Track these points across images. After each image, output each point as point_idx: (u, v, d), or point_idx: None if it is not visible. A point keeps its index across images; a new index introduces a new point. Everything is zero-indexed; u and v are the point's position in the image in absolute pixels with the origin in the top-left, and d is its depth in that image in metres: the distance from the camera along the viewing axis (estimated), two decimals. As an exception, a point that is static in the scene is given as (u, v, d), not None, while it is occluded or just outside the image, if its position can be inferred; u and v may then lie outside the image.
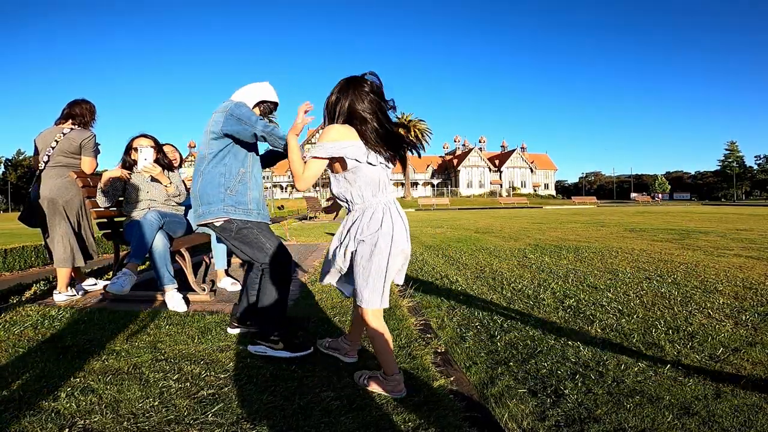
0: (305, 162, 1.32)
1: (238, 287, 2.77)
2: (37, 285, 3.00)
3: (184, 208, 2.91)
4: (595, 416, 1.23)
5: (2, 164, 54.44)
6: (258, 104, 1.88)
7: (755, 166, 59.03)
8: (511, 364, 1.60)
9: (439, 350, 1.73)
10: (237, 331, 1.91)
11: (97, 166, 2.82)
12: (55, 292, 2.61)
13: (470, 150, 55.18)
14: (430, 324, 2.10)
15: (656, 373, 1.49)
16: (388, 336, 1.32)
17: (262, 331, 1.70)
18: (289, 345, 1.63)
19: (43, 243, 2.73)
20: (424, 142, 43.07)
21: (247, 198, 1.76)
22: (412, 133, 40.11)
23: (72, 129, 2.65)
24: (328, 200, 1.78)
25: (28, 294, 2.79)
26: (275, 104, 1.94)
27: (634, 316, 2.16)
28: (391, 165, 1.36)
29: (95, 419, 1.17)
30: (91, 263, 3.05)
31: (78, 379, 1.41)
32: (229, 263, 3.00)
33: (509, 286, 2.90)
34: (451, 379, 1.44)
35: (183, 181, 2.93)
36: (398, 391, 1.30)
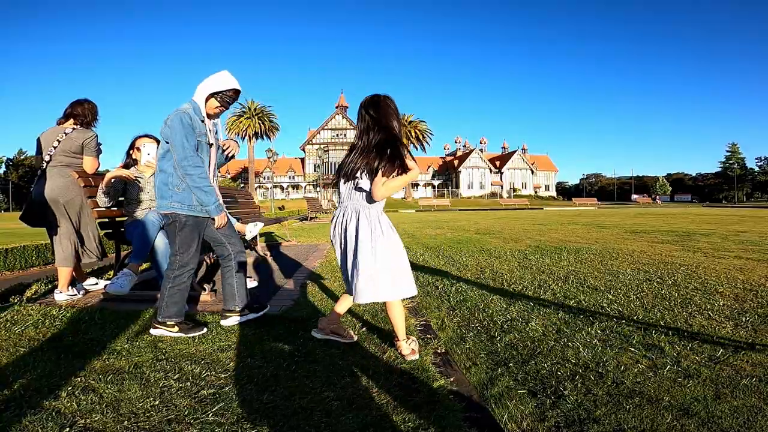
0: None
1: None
2: (38, 284, 3.01)
3: None
4: (594, 417, 1.23)
5: (3, 164, 54.57)
6: (212, 96, 1.92)
7: (756, 168, 58.98)
8: (511, 365, 1.60)
9: (439, 351, 1.73)
10: (229, 322, 1.96)
11: (98, 166, 2.83)
12: (56, 291, 2.61)
13: (471, 151, 55.19)
14: (430, 325, 2.10)
15: (656, 375, 1.49)
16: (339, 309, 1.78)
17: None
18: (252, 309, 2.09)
19: (49, 241, 2.74)
20: (425, 143, 43.10)
21: (192, 195, 1.88)
22: (413, 133, 40.20)
23: (74, 129, 2.66)
24: None
25: (29, 293, 2.80)
26: (235, 91, 1.96)
27: (634, 318, 2.16)
28: (352, 180, 1.64)
29: (96, 418, 1.17)
30: (91, 263, 3.05)
31: (79, 379, 1.42)
32: None
33: (510, 288, 2.90)
34: (451, 379, 1.44)
35: None
36: (349, 337, 1.78)
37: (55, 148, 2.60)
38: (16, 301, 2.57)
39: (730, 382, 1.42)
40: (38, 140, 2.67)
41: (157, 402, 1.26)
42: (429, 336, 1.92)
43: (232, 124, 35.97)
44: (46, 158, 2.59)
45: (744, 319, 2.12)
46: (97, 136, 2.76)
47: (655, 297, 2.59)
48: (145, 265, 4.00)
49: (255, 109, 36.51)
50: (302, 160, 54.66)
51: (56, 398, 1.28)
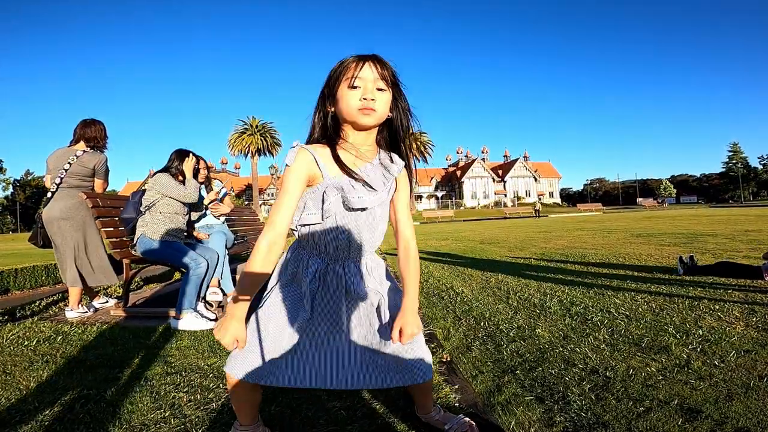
0: None
1: None
2: (48, 302, 3.06)
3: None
4: (603, 421, 1.22)
5: (11, 185, 55.61)
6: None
7: (760, 167, 58.54)
8: (518, 372, 1.60)
9: (444, 360, 1.73)
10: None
11: (107, 187, 2.90)
12: (66, 309, 2.66)
13: (473, 161, 55.48)
14: (435, 334, 2.10)
15: (665, 378, 1.48)
16: None
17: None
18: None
19: (58, 261, 2.78)
20: (426, 155, 43.38)
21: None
22: (414, 145, 40.67)
23: (85, 152, 2.74)
24: None
25: (40, 311, 2.84)
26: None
27: (643, 321, 2.14)
28: None
29: (109, 429, 1.20)
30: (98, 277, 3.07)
31: (92, 391, 1.45)
32: (235, 282, 3.03)
33: (515, 296, 2.89)
34: (456, 387, 1.44)
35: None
36: None
37: (66, 170, 2.67)
38: (28, 318, 2.61)
39: (742, 382, 1.40)
40: (47, 162, 2.74)
41: (167, 413, 1.28)
42: (434, 345, 1.92)
43: (234, 142, 36.57)
44: (57, 180, 2.66)
45: (755, 319, 2.09)
46: (107, 159, 2.83)
47: (663, 300, 2.57)
48: (146, 287, 4.03)
49: (256, 126, 37.15)
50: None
51: (70, 410, 1.31)
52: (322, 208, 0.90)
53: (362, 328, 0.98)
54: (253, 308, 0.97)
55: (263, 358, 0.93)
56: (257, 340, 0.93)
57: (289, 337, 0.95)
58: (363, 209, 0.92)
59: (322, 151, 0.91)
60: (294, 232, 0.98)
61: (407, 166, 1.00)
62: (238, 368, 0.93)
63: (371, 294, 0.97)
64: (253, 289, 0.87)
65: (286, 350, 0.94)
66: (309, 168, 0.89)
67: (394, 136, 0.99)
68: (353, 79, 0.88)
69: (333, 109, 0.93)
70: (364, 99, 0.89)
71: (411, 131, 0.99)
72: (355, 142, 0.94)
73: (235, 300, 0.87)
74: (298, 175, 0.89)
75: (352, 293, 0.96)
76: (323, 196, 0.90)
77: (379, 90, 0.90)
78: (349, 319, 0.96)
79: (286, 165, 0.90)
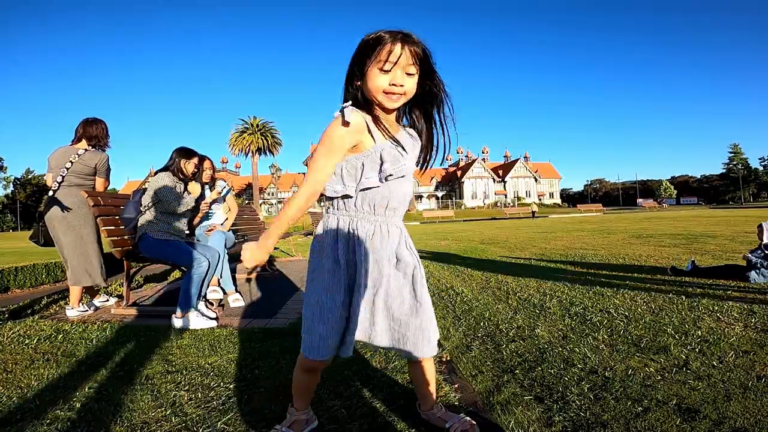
0: None
1: (241, 303, 2.81)
2: (49, 301, 3.07)
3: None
4: (602, 421, 1.23)
5: (12, 183, 55.57)
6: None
7: (761, 168, 58.52)
8: (518, 372, 1.60)
9: (443, 359, 1.73)
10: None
11: (108, 186, 2.91)
12: (67, 307, 2.66)
13: (474, 161, 55.49)
14: (435, 333, 2.11)
15: (664, 378, 1.48)
16: None
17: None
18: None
19: (62, 260, 2.77)
20: (426, 155, 43.41)
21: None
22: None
23: (86, 150, 2.74)
24: None
25: (40, 310, 2.85)
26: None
27: (642, 322, 2.14)
28: None
29: (110, 427, 1.20)
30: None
31: (92, 390, 1.45)
32: (234, 281, 3.04)
33: (515, 296, 2.90)
34: (456, 386, 1.45)
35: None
36: None
37: (67, 169, 2.67)
38: (29, 316, 2.62)
39: (740, 383, 1.41)
40: (49, 160, 2.74)
41: (168, 412, 1.28)
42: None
43: (235, 141, 36.57)
44: (58, 179, 2.66)
45: (753, 320, 2.10)
46: (108, 158, 2.84)
47: (662, 300, 2.57)
48: (146, 286, 4.03)
49: (257, 125, 37.13)
50: (305, 175, 54.96)
51: (71, 408, 1.32)
52: (380, 171, 0.93)
53: (395, 297, 1.02)
54: (315, 290, 1.01)
55: (333, 335, 1.00)
56: (328, 322, 0.99)
57: (352, 310, 1.00)
58: (402, 175, 0.97)
59: (368, 117, 0.94)
60: (334, 200, 1.00)
61: (428, 136, 1.06)
62: (316, 351, 1.00)
63: (410, 263, 1.02)
64: (285, 228, 0.94)
65: (349, 321, 1.01)
66: (362, 131, 0.91)
67: (420, 109, 1.04)
68: (385, 63, 0.89)
69: (360, 83, 0.95)
70: (393, 84, 0.91)
71: (441, 105, 1.03)
72: (379, 114, 0.98)
73: (271, 236, 0.92)
74: (351, 137, 0.90)
75: (394, 256, 1.01)
76: (381, 159, 0.93)
77: (409, 75, 0.93)
78: (388, 284, 1.00)
79: (342, 123, 0.89)
